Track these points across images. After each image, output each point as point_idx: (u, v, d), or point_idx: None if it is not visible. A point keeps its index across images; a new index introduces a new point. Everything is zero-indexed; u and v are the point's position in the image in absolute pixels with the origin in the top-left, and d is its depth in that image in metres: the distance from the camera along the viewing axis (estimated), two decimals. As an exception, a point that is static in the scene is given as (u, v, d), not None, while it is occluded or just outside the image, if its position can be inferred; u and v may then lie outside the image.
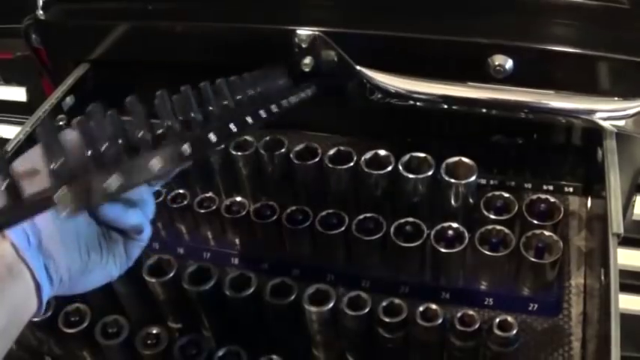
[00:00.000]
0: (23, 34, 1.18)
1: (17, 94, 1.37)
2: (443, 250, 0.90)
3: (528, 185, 1.02)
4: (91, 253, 0.69)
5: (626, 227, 1.04)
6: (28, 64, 1.27)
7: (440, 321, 0.83)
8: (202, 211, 1.01)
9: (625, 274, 1.08)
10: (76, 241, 0.68)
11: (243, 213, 0.98)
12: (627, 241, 1.07)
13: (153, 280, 0.92)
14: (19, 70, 1.33)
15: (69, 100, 1.12)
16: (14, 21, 1.22)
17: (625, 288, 1.10)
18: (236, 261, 1.02)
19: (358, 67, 0.95)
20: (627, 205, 1.04)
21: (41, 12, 1.13)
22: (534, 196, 0.93)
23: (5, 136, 1.44)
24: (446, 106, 0.94)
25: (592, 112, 0.90)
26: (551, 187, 1.02)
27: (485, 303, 0.93)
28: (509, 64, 0.90)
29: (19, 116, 1.39)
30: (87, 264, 0.69)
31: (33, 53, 1.21)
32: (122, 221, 0.70)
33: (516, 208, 0.93)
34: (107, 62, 1.13)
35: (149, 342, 0.93)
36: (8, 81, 1.38)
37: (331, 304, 0.85)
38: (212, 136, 0.67)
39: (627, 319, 0.96)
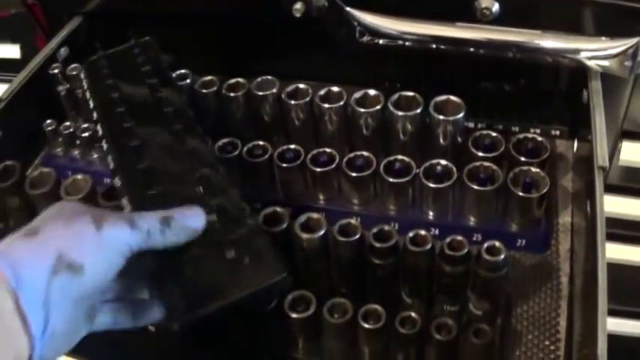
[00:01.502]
0: (17, -10, 1.20)
1: (11, 51, 1.38)
2: (432, 185, 0.91)
3: (516, 129, 1.03)
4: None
5: (612, 174, 1.06)
6: (23, 21, 1.28)
7: (429, 246, 0.84)
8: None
9: (611, 222, 1.10)
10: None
11: (236, 153, 0.99)
12: (613, 189, 1.09)
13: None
14: (13, 27, 1.35)
15: (63, 52, 1.13)
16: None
17: (611, 237, 1.11)
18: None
19: (348, 9, 0.97)
20: (613, 152, 1.06)
21: (34, -34, 1.14)
22: (521, 136, 0.95)
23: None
24: (434, 46, 0.95)
25: (577, 51, 0.92)
26: (538, 131, 1.03)
27: (474, 239, 0.94)
28: (495, 6, 0.92)
29: (14, 74, 1.40)
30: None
31: (27, 10, 1.23)
32: None
33: (504, 146, 0.94)
34: (100, 14, 1.15)
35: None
36: (3, 39, 1.39)
37: (322, 232, 0.86)
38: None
39: (613, 268, 0.97)
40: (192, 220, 0.73)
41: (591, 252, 0.80)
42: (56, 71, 1.09)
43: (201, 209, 0.74)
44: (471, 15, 0.93)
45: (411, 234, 0.86)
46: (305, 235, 0.86)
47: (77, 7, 1.16)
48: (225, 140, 1.01)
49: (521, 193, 0.89)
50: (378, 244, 0.85)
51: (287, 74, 1.07)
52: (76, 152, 1.10)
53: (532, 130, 1.02)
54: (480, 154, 0.94)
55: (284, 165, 0.97)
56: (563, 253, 0.94)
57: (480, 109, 1.03)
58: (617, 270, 1.10)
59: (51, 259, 0.63)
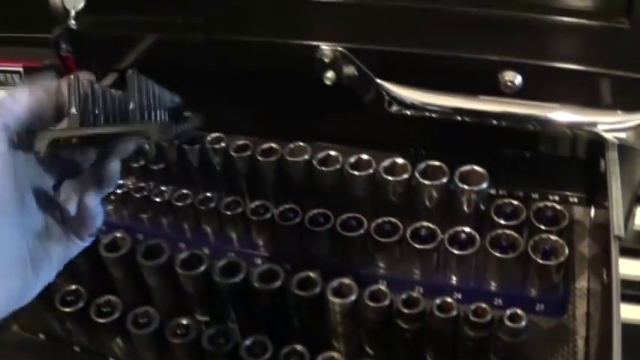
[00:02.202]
0: (53, 44, 1.22)
1: (44, 101, 1.41)
2: (456, 252, 0.95)
3: (535, 195, 1.07)
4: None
5: (627, 238, 1.10)
6: (55, 72, 1.32)
7: (455, 313, 0.89)
8: (229, 213, 1.07)
9: (626, 284, 1.13)
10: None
11: (268, 216, 1.04)
12: (628, 252, 1.13)
13: (185, 273, 0.97)
14: (46, 78, 1.38)
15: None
16: (43, 30, 1.27)
17: (626, 298, 1.14)
18: (259, 261, 1.07)
19: (378, 80, 1.01)
20: (628, 216, 1.10)
21: (73, 22, 1.18)
22: (541, 204, 0.99)
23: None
24: (458, 118, 1.00)
25: (595, 124, 0.96)
26: (556, 198, 1.06)
27: (495, 303, 0.97)
28: (518, 79, 0.95)
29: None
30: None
31: (62, 62, 1.27)
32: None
33: (524, 214, 0.98)
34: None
35: (179, 332, 0.99)
36: (35, 88, 1.42)
37: (354, 297, 0.91)
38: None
39: (629, 328, 1.01)
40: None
41: (607, 316, 0.83)
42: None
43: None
44: (494, 87, 0.97)
45: (437, 301, 0.90)
46: (337, 300, 0.90)
47: (112, 64, 1.19)
48: (257, 203, 1.06)
49: (541, 261, 0.93)
50: (406, 310, 0.90)
51: (316, 135, 1.11)
52: (109, 207, 1.15)
53: (551, 197, 1.06)
54: (502, 221, 0.97)
55: (314, 229, 1.01)
56: (580, 317, 0.98)
57: (501, 175, 1.06)
58: (631, 330, 1.14)
59: None
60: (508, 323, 0.88)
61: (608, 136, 0.96)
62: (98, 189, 0.70)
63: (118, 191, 1.12)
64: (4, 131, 0.62)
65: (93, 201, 0.70)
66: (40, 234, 0.67)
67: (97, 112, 0.67)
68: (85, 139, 0.67)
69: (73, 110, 0.66)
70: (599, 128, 0.96)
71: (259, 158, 1.06)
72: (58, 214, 0.70)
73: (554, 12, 0.98)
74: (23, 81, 1.40)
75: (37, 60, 1.35)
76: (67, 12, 1.18)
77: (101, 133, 0.68)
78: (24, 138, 0.64)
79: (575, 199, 1.07)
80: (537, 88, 0.96)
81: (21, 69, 1.38)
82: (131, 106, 0.68)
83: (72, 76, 0.67)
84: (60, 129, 0.66)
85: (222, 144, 1.09)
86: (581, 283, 1.01)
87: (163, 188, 1.13)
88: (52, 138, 0.65)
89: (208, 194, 1.10)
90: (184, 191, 1.12)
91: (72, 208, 0.72)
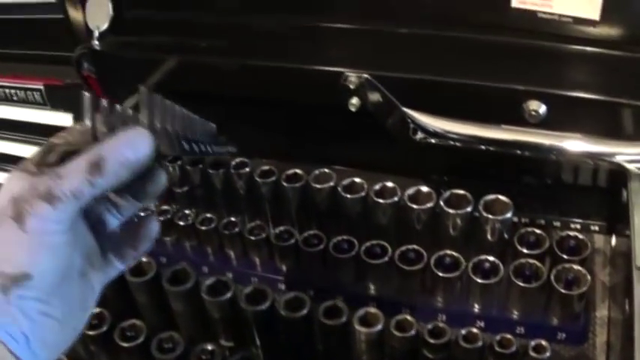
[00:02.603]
0: (75, 63, 1.23)
1: (64, 119, 1.41)
2: (480, 281, 0.96)
3: (557, 223, 1.08)
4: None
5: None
6: (76, 91, 1.32)
7: (480, 343, 0.90)
8: (252, 238, 1.07)
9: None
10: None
11: (292, 241, 1.05)
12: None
13: (211, 299, 0.98)
14: (67, 96, 1.38)
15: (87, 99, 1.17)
16: (63, 49, 1.27)
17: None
18: (282, 286, 1.08)
19: (403, 108, 1.02)
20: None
21: (97, 42, 1.19)
22: (564, 233, 0.99)
23: (51, 159, 1.48)
24: (482, 147, 1.00)
25: (617, 154, 0.97)
26: (578, 226, 1.07)
27: (517, 331, 0.98)
28: (542, 109, 0.96)
29: (65, 142, 1.44)
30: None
31: (83, 81, 1.27)
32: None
33: (547, 243, 0.99)
34: (158, 93, 1.19)
35: (203, 357, 0.99)
36: (55, 107, 1.42)
37: (380, 326, 0.91)
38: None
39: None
40: (131, 150, 0.63)
41: (628, 345, 0.84)
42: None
43: (146, 132, 0.65)
44: (518, 116, 0.98)
45: (463, 331, 0.91)
46: (363, 329, 0.91)
47: (134, 86, 1.19)
48: (281, 228, 1.06)
49: (563, 290, 0.93)
50: (432, 340, 0.91)
51: (339, 160, 1.13)
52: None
53: (572, 225, 1.07)
54: (525, 250, 0.98)
55: (338, 255, 1.01)
56: (600, 346, 0.98)
57: (523, 202, 1.07)
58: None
59: None
60: (532, 354, 0.89)
61: (631, 166, 0.97)
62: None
63: (142, 214, 1.12)
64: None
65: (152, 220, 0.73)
66: (85, 271, 0.67)
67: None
68: None
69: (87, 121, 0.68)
70: (622, 159, 0.96)
71: (284, 184, 1.07)
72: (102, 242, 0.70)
73: (579, 42, 0.98)
74: (45, 99, 1.40)
75: (58, 78, 1.36)
76: (90, 32, 1.18)
77: None
78: None
79: (597, 227, 1.08)
80: (561, 118, 0.97)
81: (42, 87, 1.39)
82: (140, 120, 0.68)
83: (87, 94, 0.68)
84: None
85: (247, 169, 1.10)
86: (602, 312, 1.02)
87: (187, 212, 1.14)
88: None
89: (232, 219, 1.11)
90: (208, 215, 1.13)
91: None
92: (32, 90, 1.41)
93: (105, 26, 1.17)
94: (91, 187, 0.61)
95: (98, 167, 0.61)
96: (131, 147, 0.63)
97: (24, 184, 0.62)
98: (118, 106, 0.69)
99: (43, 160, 0.66)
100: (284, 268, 1.08)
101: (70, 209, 0.61)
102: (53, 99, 1.41)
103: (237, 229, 1.09)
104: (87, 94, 0.68)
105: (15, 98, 1.44)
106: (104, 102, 0.68)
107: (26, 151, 1.51)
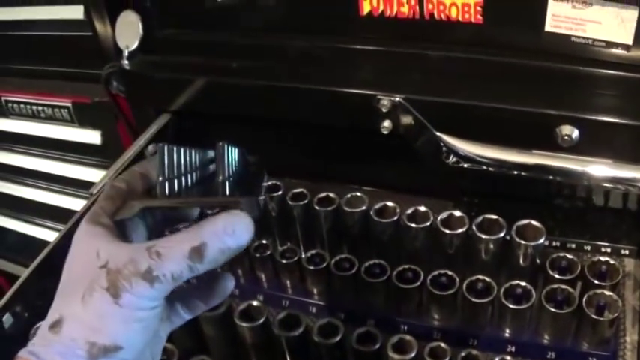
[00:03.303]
0: (104, 81, 1.24)
1: (92, 137, 1.42)
2: (512, 306, 0.96)
3: (587, 247, 1.08)
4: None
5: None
6: (104, 108, 1.33)
7: (511, 370, 0.90)
8: (284, 261, 1.08)
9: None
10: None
11: (324, 265, 1.05)
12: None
13: (244, 324, 0.98)
14: (94, 114, 1.39)
15: (151, 149, 1.18)
16: (91, 66, 1.28)
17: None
18: (314, 309, 1.09)
19: (436, 132, 1.02)
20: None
21: (126, 62, 1.19)
22: (595, 258, 1.00)
23: (79, 177, 1.49)
24: (514, 172, 1.00)
25: (648, 181, 0.97)
26: (608, 250, 1.07)
27: (548, 356, 0.98)
28: (575, 134, 0.96)
29: (92, 158, 1.45)
30: None
31: (112, 99, 1.27)
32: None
33: (579, 268, 0.99)
34: (188, 113, 1.19)
35: (236, 382, 1.00)
36: (83, 124, 1.43)
37: (413, 353, 0.91)
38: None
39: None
40: (233, 238, 0.65)
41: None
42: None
43: (247, 219, 0.66)
44: (551, 141, 0.98)
45: (497, 359, 0.91)
46: (397, 357, 0.91)
47: (165, 105, 1.20)
48: (312, 252, 1.07)
49: (595, 316, 0.93)
50: (465, 368, 0.91)
51: (371, 182, 1.13)
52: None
53: (602, 249, 1.07)
54: (557, 275, 0.98)
55: (370, 280, 1.02)
56: (629, 370, 0.99)
57: (554, 227, 1.08)
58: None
59: (83, 352, 0.61)
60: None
61: (661, 192, 0.97)
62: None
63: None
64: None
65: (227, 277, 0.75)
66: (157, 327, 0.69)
67: (183, 180, 0.68)
68: (172, 208, 0.70)
69: (160, 179, 0.68)
70: (652, 185, 0.96)
71: (316, 207, 1.07)
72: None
73: (612, 66, 0.99)
74: (73, 116, 1.40)
75: (86, 96, 1.36)
76: (119, 50, 1.18)
77: (186, 204, 0.69)
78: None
79: (627, 252, 1.08)
80: (593, 143, 0.97)
81: (70, 104, 1.39)
82: (220, 178, 0.68)
83: (160, 145, 0.68)
84: (148, 199, 0.69)
85: (279, 192, 1.10)
86: (632, 337, 1.02)
87: (218, 234, 1.14)
88: (141, 207, 0.68)
89: (264, 241, 1.11)
90: (239, 238, 1.12)
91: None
92: (60, 107, 1.42)
93: (135, 46, 1.18)
94: (189, 272, 0.63)
95: (199, 253, 0.62)
96: (233, 235, 0.64)
97: (119, 255, 0.63)
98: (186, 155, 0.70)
99: (116, 212, 0.68)
100: (315, 291, 1.09)
101: (166, 289, 0.63)
102: (81, 116, 1.42)
103: (268, 252, 1.09)
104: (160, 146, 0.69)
105: (43, 115, 1.45)
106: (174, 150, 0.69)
107: (53, 167, 1.52)
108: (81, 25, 1.29)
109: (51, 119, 1.44)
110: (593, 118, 0.96)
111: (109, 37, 1.24)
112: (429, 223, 1.02)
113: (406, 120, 1.03)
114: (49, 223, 1.73)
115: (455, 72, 1.04)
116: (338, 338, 0.95)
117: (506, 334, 1.00)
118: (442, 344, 0.93)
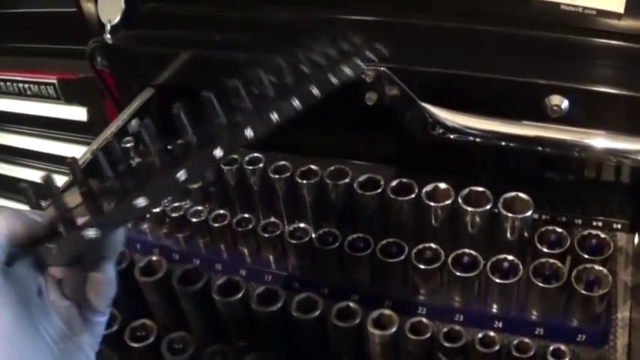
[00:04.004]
0: (88, 57, 1.22)
1: (78, 113, 1.41)
2: (498, 280, 0.93)
3: (578, 221, 1.05)
4: None
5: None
6: (90, 85, 1.31)
7: (497, 348, 0.88)
8: (266, 235, 1.06)
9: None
10: None
11: (306, 239, 1.03)
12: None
13: (222, 300, 0.96)
14: (80, 90, 1.38)
15: (134, 123, 1.16)
16: (76, 42, 1.26)
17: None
18: (297, 284, 1.06)
19: (421, 103, 0.99)
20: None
21: (109, 36, 1.17)
22: (585, 232, 0.97)
23: (65, 154, 1.48)
24: (502, 143, 0.98)
25: (640, 152, 0.94)
26: (600, 224, 1.05)
27: (536, 332, 0.95)
28: (565, 104, 0.94)
29: (79, 135, 1.44)
30: None
31: (97, 75, 1.26)
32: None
33: (568, 242, 0.96)
34: (172, 88, 1.18)
35: (215, 358, 0.97)
36: (70, 101, 1.42)
37: (394, 329, 0.89)
38: (249, 132, 0.66)
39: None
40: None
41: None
42: (128, 145, 1.12)
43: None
44: (540, 111, 0.95)
45: (480, 335, 0.89)
46: (377, 332, 0.89)
47: (149, 80, 1.19)
48: (295, 226, 1.04)
49: (584, 292, 0.91)
50: (447, 344, 0.88)
51: (356, 155, 1.12)
52: (145, 226, 1.14)
53: (594, 224, 1.04)
54: (546, 250, 0.95)
55: (354, 254, 0.99)
56: (621, 348, 0.95)
57: (544, 200, 1.05)
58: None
59: None
60: (551, 359, 0.86)
61: (656, 164, 0.94)
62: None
63: (155, 210, 1.10)
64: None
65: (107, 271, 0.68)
66: (63, 336, 0.65)
67: None
68: None
69: None
70: (646, 157, 0.94)
71: (298, 180, 1.04)
72: (72, 305, 0.67)
73: (602, 35, 0.97)
74: (58, 93, 1.39)
75: (71, 72, 1.35)
76: (102, 25, 1.17)
77: None
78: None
79: (619, 226, 1.05)
80: (583, 113, 0.95)
81: (55, 81, 1.38)
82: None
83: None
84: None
85: (261, 164, 1.08)
86: (624, 313, 0.99)
87: (200, 208, 1.12)
88: None
89: (246, 215, 1.09)
90: (221, 211, 1.11)
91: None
92: (46, 84, 1.40)
93: (117, 20, 1.16)
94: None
95: None
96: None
97: None
98: None
99: None
100: (298, 266, 1.06)
101: None
102: (67, 93, 1.41)
103: (250, 226, 1.07)
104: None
105: (29, 93, 1.44)
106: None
107: (40, 145, 1.51)
108: (65, 1, 1.27)
109: (37, 96, 1.44)
110: (583, 87, 0.94)
111: (93, 13, 1.22)
112: (413, 196, 0.99)
113: (391, 91, 1.01)
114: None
115: (441, 42, 1.03)
116: (317, 313, 0.93)
117: (494, 310, 0.98)
118: (424, 320, 0.90)
